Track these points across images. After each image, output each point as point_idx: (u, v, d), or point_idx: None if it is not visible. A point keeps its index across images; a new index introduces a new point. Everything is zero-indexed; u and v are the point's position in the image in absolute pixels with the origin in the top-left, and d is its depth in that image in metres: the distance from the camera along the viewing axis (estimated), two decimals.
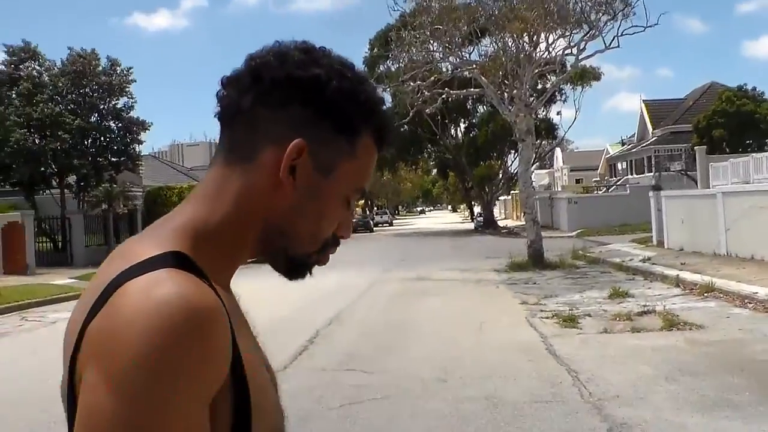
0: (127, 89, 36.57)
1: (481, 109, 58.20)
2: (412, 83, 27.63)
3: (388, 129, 1.22)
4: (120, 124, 36.56)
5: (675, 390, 7.88)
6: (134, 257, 1.05)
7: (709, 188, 27.45)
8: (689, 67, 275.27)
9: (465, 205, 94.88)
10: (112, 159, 36.26)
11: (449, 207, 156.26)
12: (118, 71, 36.42)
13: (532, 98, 25.80)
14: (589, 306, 14.40)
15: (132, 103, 36.99)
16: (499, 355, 10.07)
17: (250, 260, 1.22)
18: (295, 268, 1.22)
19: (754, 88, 46.06)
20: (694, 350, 9.89)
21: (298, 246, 1.19)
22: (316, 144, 1.13)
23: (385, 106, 1.24)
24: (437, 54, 27.98)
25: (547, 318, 13.07)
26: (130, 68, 36.96)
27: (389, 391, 8.24)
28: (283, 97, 1.13)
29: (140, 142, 37.86)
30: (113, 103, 36.44)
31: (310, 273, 1.24)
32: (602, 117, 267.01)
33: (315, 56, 1.16)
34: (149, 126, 37.54)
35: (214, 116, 1.19)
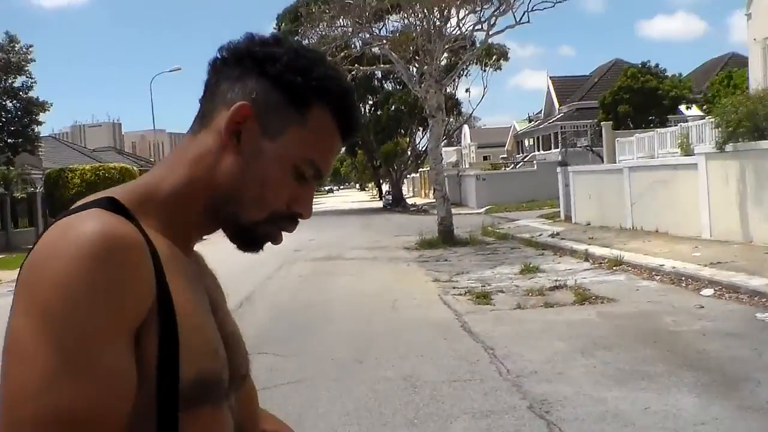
0: (26, 68, 35.10)
1: (388, 86, 58.18)
2: None
3: (348, 111, 1.25)
4: (18, 104, 35.04)
5: (591, 364, 7.87)
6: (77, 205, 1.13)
7: (615, 163, 27.91)
8: (590, 46, 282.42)
9: (373, 183, 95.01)
10: (9, 140, 34.77)
11: (357, 185, 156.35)
12: (16, 48, 34.89)
13: (443, 75, 25.67)
14: (501, 282, 14.43)
15: (31, 83, 35.53)
16: (414, 334, 9.93)
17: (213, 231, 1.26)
18: (244, 237, 1.25)
19: (657, 65, 47.01)
20: (607, 323, 9.95)
21: (245, 213, 1.21)
22: (266, 111, 1.20)
23: (347, 91, 1.26)
24: (347, 29, 27.63)
25: (460, 295, 13.02)
26: (30, 46, 35.56)
27: (304, 374, 8.01)
28: (242, 70, 1.21)
29: (39, 123, 36.38)
30: (10, 81, 34.90)
31: (261, 246, 1.26)
32: (508, 94, 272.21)
33: (279, 40, 1.25)
34: (49, 107, 36.11)
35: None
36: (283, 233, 1.27)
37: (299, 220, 1.26)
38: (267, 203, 1.21)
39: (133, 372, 1.04)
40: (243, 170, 1.19)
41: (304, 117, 1.21)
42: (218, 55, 1.24)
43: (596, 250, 17.45)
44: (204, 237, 1.27)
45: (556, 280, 13.80)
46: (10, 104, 35.17)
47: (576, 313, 10.85)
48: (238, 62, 1.21)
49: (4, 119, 34.77)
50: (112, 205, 1.11)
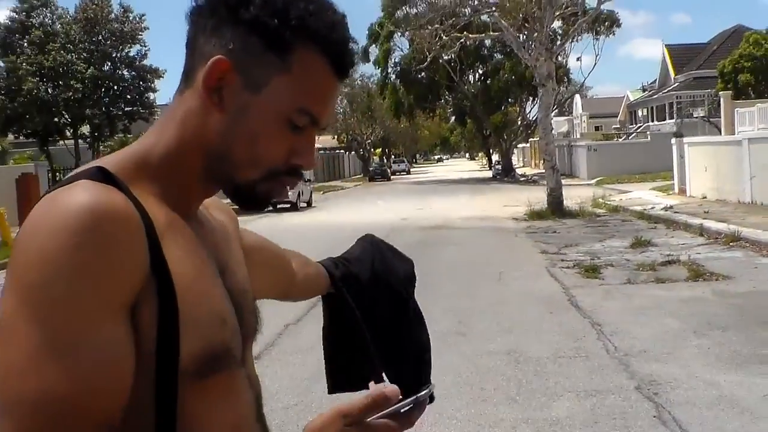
0: (139, 37, 36.09)
1: (498, 55, 57.40)
2: (429, 27, 27.01)
3: (337, 47, 1.13)
4: (133, 73, 36.13)
5: (705, 345, 7.52)
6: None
7: (734, 135, 26.77)
8: (708, 12, 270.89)
9: (483, 153, 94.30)
10: (126, 108, 35.86)
11: (467, 155, 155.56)
12: (130, 18, 35.86)
13: (553, 42, 25.10)
14: (611, 255, 14.02)
15: (145, 51, 36.54)
16: (519, 307, 9.73)
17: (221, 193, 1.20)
18: (242, 197, 1.16)
19: None
20: (722, 302, 9.51)
21: (239, 172, 1.13)
22: (245, 61, 1.10)
23: (332, 25, 1.12)
24: None
25: (568, 268, 12.71)
26: (143, 15, 36.47)
27: None
28: (216, 19, 1.11)
29: (154, 91, 37.73)
30: (126, 51, 35.96)
31: (264, 204, 1.19)
32: (619, 64, 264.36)
33: None
34: (163, 74, 37.04)
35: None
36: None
37: (304, 173, 1.17)
38: (261, 161, 1.13)
39: (128, 350, 0.99)
40: (230, 129, 1.11)
41: (287, 62, 1.10)
42: (193, 4, 1.14)
43: (712, 225, 16.75)
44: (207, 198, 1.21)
45: (668, 255, 13.29)
46: (126, 73, 36.19)
47: (689, 290, 10.42)
48: (213, 11, 1.11)
49: (121, 88, 35.81)
50: (101, 175, 1.04)
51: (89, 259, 0.95)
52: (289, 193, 25.72)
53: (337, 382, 1.61)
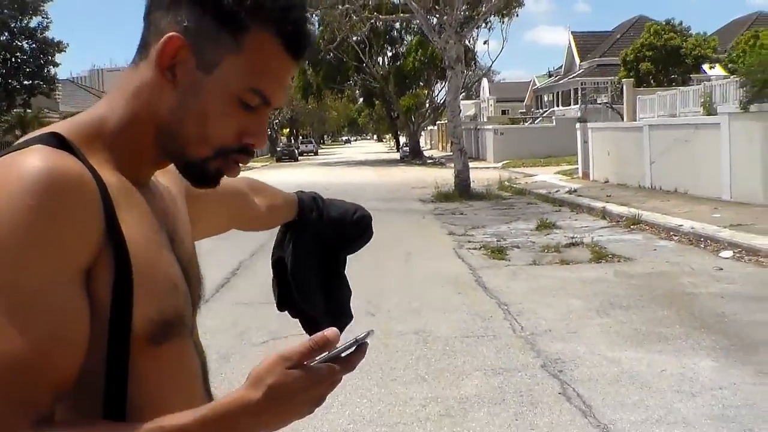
0: (41, 8, 34.77)
1: (408, 37, 57.58)
2: (340, 6, 26.89)
3: (293, 29, 1.13)
4: (33, 45, 34.79)
5: (607, 323, 7.75)
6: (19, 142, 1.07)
7: (635, 121, 27.53)
8: (608, 2, 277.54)
9: (391, 134, 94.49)
10: (25, 82, 34.57)
11: (375, 137, 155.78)
12: None
13: (462, 26, 25.28)
14: (517, 237, 14.27)
15: (47, 23, 35.22)
16: (427, 287, 9.83)
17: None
18: (193, 173, 1.17)
19: (681, 23, 46.14)
20: (623, 283, 9.79)
21: (190, 149, 1.14)
22: (198, 40, 1.10)
23: (287, 7, 1.12)
24: None
25: (475, 249, 12.89)
26: None
27: None
28: None
29: (56, 65, 36.19)
30: (26, 21, 34.62)
31: (215, 181, 1.19)
32: (525, 49, 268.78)
33: None
34: (65, 47, 35.87)
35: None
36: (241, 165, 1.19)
37: (253, 150, 1.18)
38: (212, 139, 1.13)
39: (83, 314, 1.00)
40: (181, 106, 1.12)
41: (240, 43, 1.10)
42: None
43: (614, 208, 17.23)
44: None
45: (572, 237, 13.63)
46: (26, 45, 34.89)
47: (592, 271, 10.71)
48: None
49: (19, 60, 34.52)
50: (55, 141, 1.05)
51: (44, 223, 0.96)
52: None
53: (282, 300, 1.72)
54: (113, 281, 1.02)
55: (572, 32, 65.33)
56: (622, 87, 35.79)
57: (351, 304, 1.77)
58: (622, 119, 32.21)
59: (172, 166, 1.21)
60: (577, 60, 61.70)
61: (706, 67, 43.82)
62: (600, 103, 42.78)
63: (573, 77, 59.77)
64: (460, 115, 26.18)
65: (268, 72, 1.13)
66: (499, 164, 41.00)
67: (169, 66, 1.10)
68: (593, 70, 57.05)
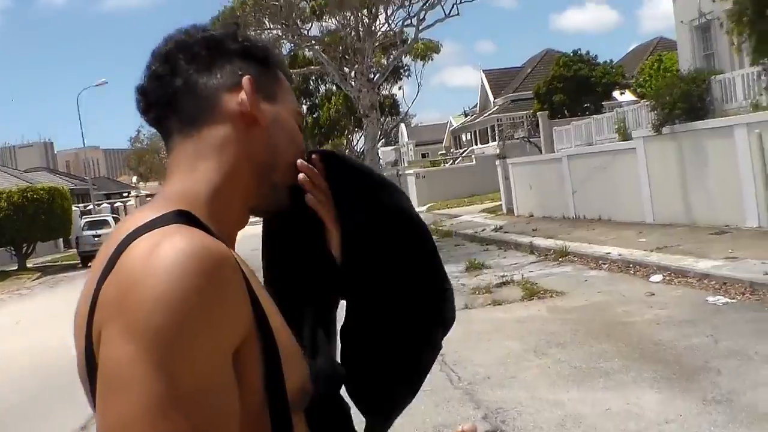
0: None
1: (322, 88, 57.71)
2: None
3: (284, 66, 1.33)
4: None
5: (545, 364, 7.54)
6: (136, 223, 1.04)
7: (554, 152, 27.84)
8: (510, 40, 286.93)
9: None
10: None
11: None
12: None
13: (375, 74, 25.31)
14: None
15: None
16: None
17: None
18: (286, 199, 1.26)
19: (587, 53, 47.26)
20: (558, 319, 9.64)
21: (287, 176, 1.24)
22: (256, 79, 1.21)
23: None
24: (276, 32, 27.08)
25: None
26: None
27: None
28: (214, 57, 1.21)
29: None
30: None
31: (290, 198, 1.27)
32: (436, 92, 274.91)
33: (202, 26, 1.26)
34: None
35: (145, 116, 1.23)
36: None
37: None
38: (297, 157, 1.27)
39: (236, 393, 0.98)
40: (272, 137, 1.22)
41: (276, 75, 1.28)
42: (178, 56, 1.20)
43: (541, 242, 17.21)
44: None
45: (502, 276, 13.49)
46: None
47: (525, 309, 10.53)
48: (199, 54, 1.21)
49: None
50: (185, 219, 1.05)
51: (210, 303, 0.95)
52: None
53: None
54: (263, 356, 1.02)
55: (483, 70, 66.31)
56: (538, 120, 36.27)
57: None
58: (541, 152, 32.56)
59: None
60: (491, 97, 62.53)
61: (616, 93, 44.83)
62: (518, 138, 43.27)
63: (489, 114, 60.50)
64: (381, 162, 26.08)
65: (293, 98, 1.32)
66: (424, 208, 40.99)
67: (253, 106, 1.19)
68: (508, 105, 57.86)
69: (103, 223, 32.08)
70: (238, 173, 1.17)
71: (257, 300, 1.03)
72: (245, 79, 1.18)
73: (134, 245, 0.99)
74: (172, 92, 1.18)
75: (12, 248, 31.54)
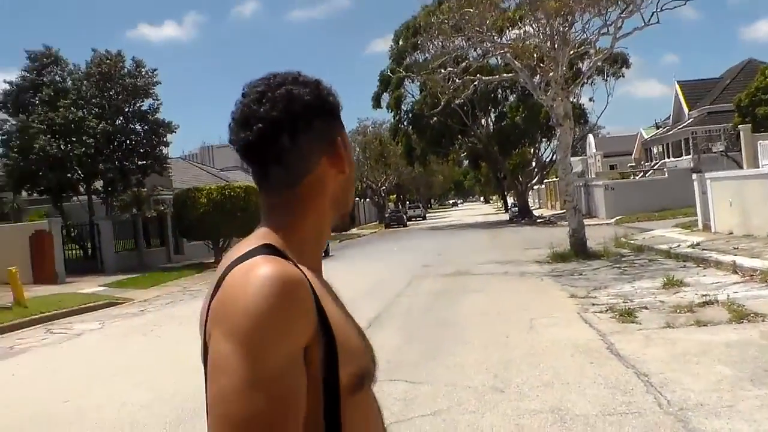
0: (152, 91, 35.75)
1: (510, 97, 57.17)
2: (442, 71, 26.70)
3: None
4: (146, 127, 35.69)
5: (766, 395, 6.93)
6: (237, 254, 1.43)
7: (757, 168, 26.21)
8: (694, 53, 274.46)
9: (498, 195, 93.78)
10: (139, 162, 35.43)
11: (482, 198, 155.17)
12: (143, 73, 35.60)
13: (570, 83, 24.71)
14: (644, 297, 13.43)
15: (158, 105, 36.17)
16: (556, 357, 9.16)
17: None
18: (349, 221, 1.70)
19: None
20: None
21: (349, 206, 1.63)
22: (340, 133, 1.58)
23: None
24: (467, 40, 26.96)
25: (601, 312, 12.14)
26: (155, 70, 36.06)
27: (439, 405, 7.37)
28: (310, 117, 1.49)
29: (167, 144, 36.85)
30: (138, 105, 35.65)
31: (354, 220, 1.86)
32: (621, 103, 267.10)
33: (302, 81, 1.52)
34: (176, 128, 36.61)
35: (248, 162, 1.52)
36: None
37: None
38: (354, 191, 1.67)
39: (305, 380, 1.33)
40: (347, 182, 1.58)
41: (343, 125, 1.60)
42: (283, 119, 1.46)
43: (745, 261, 16.13)
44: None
45: (704, 295, 12.66)
46: (139, 127, 35.88)
47: (735, 333, 9.79)
48: (301, 115, 1.47)
49: (133, 142, 35.50)
50: (271, 251, 1.41)
51: (285, 315, 1.31)
52: None
53: None
54: (324, 350, 1.37)
55: (678, 81, 63.68)
56: (738, 133, 34.35)
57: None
58: (740, 167, 30.81)
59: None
60: (686, 109, 59.93)
61: None
62: (715, 152, 41.25)
63: (683, 127, 58.03)
64: (571, 172, 25.44)
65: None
66: (612, 220, 39.80)
67: (345, 162, 1.55)
68: (704, 118, 55.25)
69: None
70: (321, 211, 1.52)
71: (323, 310, 1.37)
72: (339, 140, 1.53)
73: (233, 271, 1.38)
74: (280, 150, 1.46)
75: (209, 242, 33.01)
